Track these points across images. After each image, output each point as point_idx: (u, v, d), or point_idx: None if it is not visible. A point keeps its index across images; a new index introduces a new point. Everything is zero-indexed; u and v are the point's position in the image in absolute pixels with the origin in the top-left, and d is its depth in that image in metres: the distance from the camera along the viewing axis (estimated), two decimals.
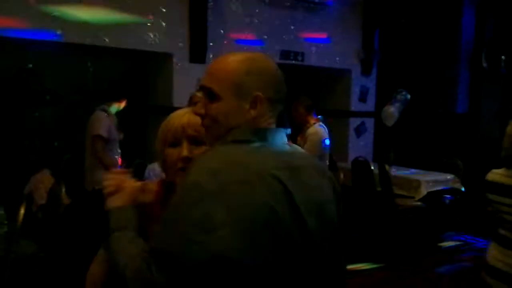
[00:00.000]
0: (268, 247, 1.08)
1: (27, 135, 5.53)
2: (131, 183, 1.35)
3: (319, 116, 4.68)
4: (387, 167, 6.13)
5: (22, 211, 3.49)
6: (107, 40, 5.08)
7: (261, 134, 1.21)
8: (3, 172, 4.90)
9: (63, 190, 4.15)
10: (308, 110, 4.53)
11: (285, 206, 1.11)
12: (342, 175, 5.78)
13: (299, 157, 1.27)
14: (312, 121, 4.49)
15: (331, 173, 1.32)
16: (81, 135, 4.89)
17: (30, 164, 4.90)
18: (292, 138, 4.46)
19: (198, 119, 1.35)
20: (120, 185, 1.32)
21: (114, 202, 1.28)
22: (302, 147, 4.35)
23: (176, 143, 1.40)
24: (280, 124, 1.29)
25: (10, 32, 4.64)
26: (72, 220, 4.32)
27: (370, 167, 6.34)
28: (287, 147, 1.27)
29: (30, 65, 5.59)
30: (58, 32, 4.81)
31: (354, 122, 7.80)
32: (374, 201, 6.15)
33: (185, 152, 1.37)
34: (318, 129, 4.43)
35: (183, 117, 1.42)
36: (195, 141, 1.38)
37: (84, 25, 4.95)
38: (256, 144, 1.18)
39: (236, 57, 1.26)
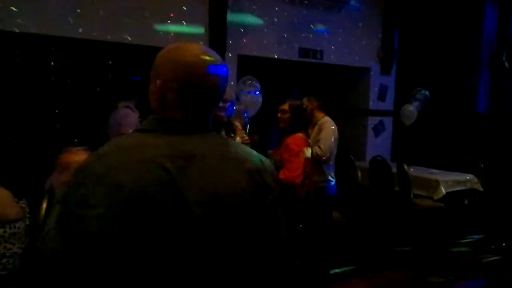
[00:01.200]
0: (143, 230, 1.09)
1: (49, 131, 5.61)
2: (81, 158, 1.36)
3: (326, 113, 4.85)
4: (405, 166, 6.09)
5: (44, 205, 3.54)
6: (128, 37, 5.14)
7: (164, 124, 1.21)
8: (27, 167, 4.98)
9: None
10: (319, 107, 4.76)
11: (167, 193, 1.11)
12: (359, 175, 5.75)
13: (205, 147, 1.21)
14: (321, 115, 4.71)
15: (258, 163, 1.25)
16: (100, 131, 4.95)
17: (51, 159, 4.97)
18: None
19: None
20: (70, 161, 1.37)
21: (61, 177, 1.36)
22: (315, 137, 4.47)
23: None
24: (196, 117, 1.26)
25: (33, 28, 4.72)
26: None
27: (388, 166, 6.30)
28: (198, 138, 1.22)
29: (52, 62, 5.66)
30: (80, 29, 4.87)
31: (373, 121, 7.76)
32: (392, 201, 6.11)
33: None
34: (330, 120, 4.69)
35: None
36: None
37: (105, 23, 5.01)
38: (156, 134, 1.19)
39: (174, 44, 1.30)
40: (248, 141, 3.73)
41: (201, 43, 1.39)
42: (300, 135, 3.85)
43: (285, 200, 3.82)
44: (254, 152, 1.30)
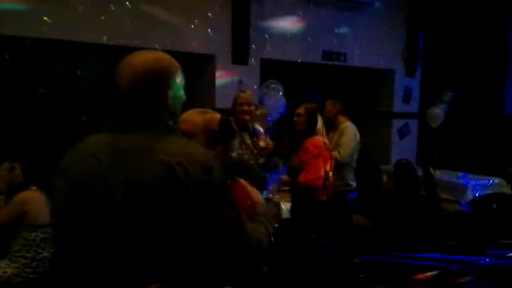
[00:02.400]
0: (83, 210, 1.37)
1: (76, 136, 5.70)
2: None
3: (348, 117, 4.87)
4: (431, 170, 6.01)
5: None
6: (154, 43, 5.19)
7: (111, 124, 1.44)
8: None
9: None
10: (342, 111, 4.80)
11: (98, 181, 1.35)
12: (384, 178, 5.69)
13: (136, 143, 1.37)
14: (343, 119, 4.74)
15: (180, 156, 1.34)
16: None
17: None
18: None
19: (192, 117, 1.70)
20: None
21: None
22: (336, 142, 4.50)
23: None
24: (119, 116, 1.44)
25: (58, 34, 4.81)
26: None
27: (414, 169, 6.23)
28: (135, 135, 1.39)
29: (78, 68, 5.74)
30: (105, 35, 4.95)
31: (397, 123, 7.67)
32: (418, 205, 6.03)
33: None
34: (352, 125, 4.72)
35: (183, 114, 1.69)
36: (187, 135, 1.64)
37: (131, 29, 5.07)
38: (107, 132, 1.43)
39: None
40: (272, 145, 3.72)
41: (158, 50, 1.54)
42: (318, 137, 3.82)
43: (305, 203, 3.80)
44: (185, 147, 1.39)
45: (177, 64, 1.53)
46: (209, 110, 1.85)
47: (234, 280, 1.49)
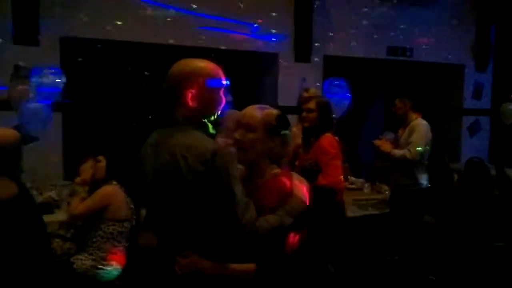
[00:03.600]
0: (135, 189, 1.91)
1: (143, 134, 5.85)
2: None
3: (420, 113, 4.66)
4: (506, 169, 5.72)
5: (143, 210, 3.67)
6: (218, 43, 5.25)
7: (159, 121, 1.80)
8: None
9: None
10: (412, 108, 4.57)
11: (140, 168, 1.80)
12: (456, 177, 5.47)
13: (167, 139, 1.70)
14: (414, 116, 4.52)
15: (184, 149, 1.62)
16: None
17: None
18: (393, 130, 4.74)
19: (253, 112, 1.87)
20: None
21: None
22: (406, 139, 4.37)
23: (237, 128, 1.88)
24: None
25: (125, 36, 4.97)
26: None
27: (487, 168, 5.95)
28: (168, 131, 1.73)
29: (145, 68, 5.89)
30: (172, 36, 5.06)
31: (467, 120, 7.36)
32: (491, 206, 5.75)
33: (236, 135, 1.85)
34: (423, 121, 4.49)
35: (244, 109, 1.94)
36: (247, 128, 1.82)
37: (198, 30, 5.16)
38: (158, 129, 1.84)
39: None
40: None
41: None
42: (331, 135, 3.55)
43: (324, 205, 3.60)
44: (193, 141, 1.64)
45: (212, 68, 1.77)
46: (267, 106, 1.97)
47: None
